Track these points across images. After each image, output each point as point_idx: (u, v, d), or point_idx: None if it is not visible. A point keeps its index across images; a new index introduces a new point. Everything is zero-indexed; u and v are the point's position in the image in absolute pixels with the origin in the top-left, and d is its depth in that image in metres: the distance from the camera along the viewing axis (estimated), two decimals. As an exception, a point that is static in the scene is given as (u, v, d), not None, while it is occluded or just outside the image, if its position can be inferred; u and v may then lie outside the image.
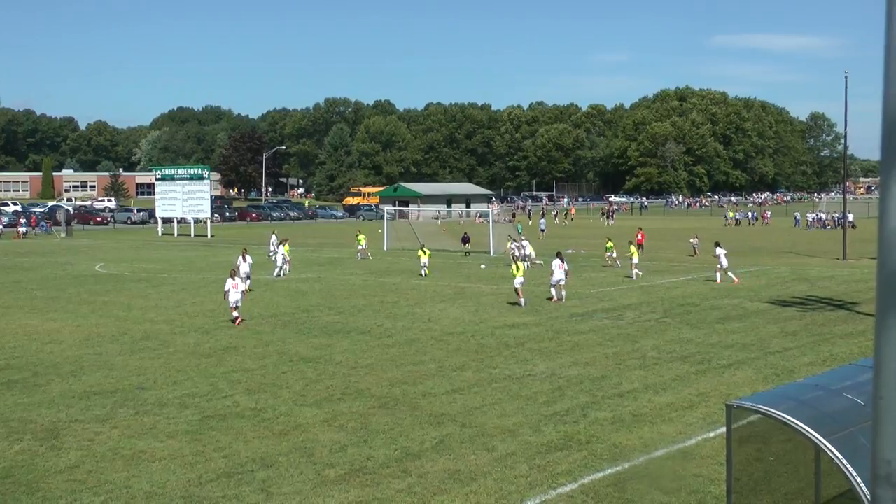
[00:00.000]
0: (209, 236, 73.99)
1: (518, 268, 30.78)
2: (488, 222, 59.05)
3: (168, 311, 29.84)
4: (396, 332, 25.45)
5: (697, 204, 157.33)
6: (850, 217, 65.95)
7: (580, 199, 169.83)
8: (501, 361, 21.12)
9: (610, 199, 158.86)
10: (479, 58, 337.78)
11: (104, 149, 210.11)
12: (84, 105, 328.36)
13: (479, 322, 27.13)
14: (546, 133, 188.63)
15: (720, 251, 37.03)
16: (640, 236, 51.79)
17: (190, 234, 75.72)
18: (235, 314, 27.09)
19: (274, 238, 47.14)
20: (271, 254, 45.11)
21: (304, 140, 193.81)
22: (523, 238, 47.38)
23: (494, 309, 29.87)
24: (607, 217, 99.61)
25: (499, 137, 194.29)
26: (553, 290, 31.44)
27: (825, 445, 7.47)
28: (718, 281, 36.33)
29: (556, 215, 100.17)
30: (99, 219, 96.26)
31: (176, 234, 76.95)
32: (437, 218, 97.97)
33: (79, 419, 16.22)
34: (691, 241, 51.63)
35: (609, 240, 44.65)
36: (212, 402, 17.37)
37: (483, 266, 44.12)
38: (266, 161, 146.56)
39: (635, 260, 38.51)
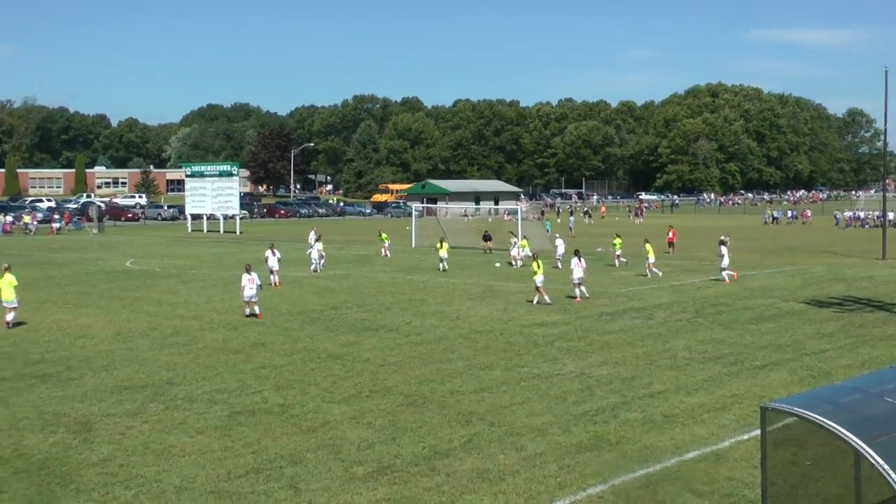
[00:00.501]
0: (238, 233, 74.42)
1: (539, 266, 30.61)
2: (517, 220, 58.93)
3: (197, 307, 30.04)
4: (424, 329, 25.44)
5: (730, 202, 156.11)
6: (891, 216, 65.17)
7: (610, 197, 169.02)
8: (530, 360, 21.05)
9: (640, 196, 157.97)
10: (507, 54, 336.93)
11: (135, 146, 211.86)
12: (116, 103, 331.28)
13: (507, 320, 27.07)
14: (575, 130, 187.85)
15: (724, 250, 36.97)
16: (670, 234, 51.56)
17: (219, 231, 76.20)
18: (248, 310, 27.45)
19: (312, 234, 47.27)
20: (310, 250, 44.45)
21: (332, 137, 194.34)
22: (557, 236, 47.22)
23: (523, 307, 29.79)
24: (636, 215, 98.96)
25: (527, 134, 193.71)
26: (577, 290, 31.30)
27: (865, 451, 7.34)
28: (727, 281, 36.08)
29: (586, 213, 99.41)
30: (130, 215, 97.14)
31: (205, 231, 77.48)
32: (464, 215, 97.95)
33: (110, 413, 16.37)
34: (722, 237, 51.11)
35: (617, 236, 44.45)
36: (240, 398, 17.45)
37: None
38: (294, 158, 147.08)
39: (651, 259, 38.36)
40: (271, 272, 35.49)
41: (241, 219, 79.88)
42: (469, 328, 25.62)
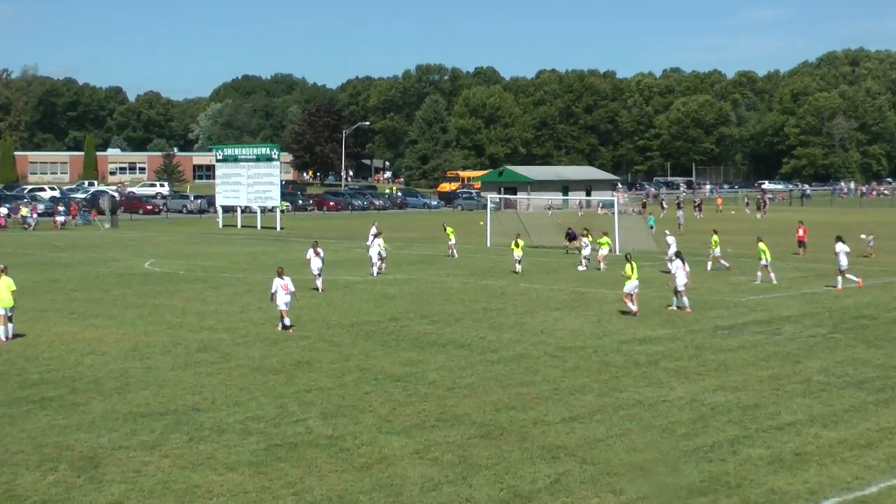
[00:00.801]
0: (279, 229, 75.19)
1: (633, 269, 30.29)
2: (613, 214, 58.49)
3: (230, 318, 30.34)
4: (502, 345, 25.39)
5: (874, 192, 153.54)
6: None
7: (726, 187, 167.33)
8: (630, 383, 20.89)
9: (762, 186, 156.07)
10: (600, 16, 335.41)
11: (156, 124, 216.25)
12: (133, 74, 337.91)
13: (602, 335, 26.90)
14: (683, 106, 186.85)
15: (840, 248, 36.77)
16: (801, 232, 50.81)
17: (256, 226, 77.08)
18: (287, 320, 27.59)
19: (373, 229, 47.18)
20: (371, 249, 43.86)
21: (391, 115, 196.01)
22: (667, 233, 46.81)
23: (620, 319, 29.58)
24: (758, 208, 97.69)
25: (625, 112, 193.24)
26: (685, 300, 30.99)
27: None
28: (839, 287, 35.84)
29: (697, 206, 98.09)
30: (149, 207, 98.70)
31: (239, 226, 78.51)
32: (549, 208, 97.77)
33: (123, 446, 16.51)
34: (863, 236, 50.23)
35: (715, 233, 43.92)
36: (280, 428, 17.50)
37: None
38: (346, 139, 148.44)
39: (764, 260, 37.90)
40: (317, 276, 35.73)
41: (282, 212, 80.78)
42: (555, 344, 25.51)
